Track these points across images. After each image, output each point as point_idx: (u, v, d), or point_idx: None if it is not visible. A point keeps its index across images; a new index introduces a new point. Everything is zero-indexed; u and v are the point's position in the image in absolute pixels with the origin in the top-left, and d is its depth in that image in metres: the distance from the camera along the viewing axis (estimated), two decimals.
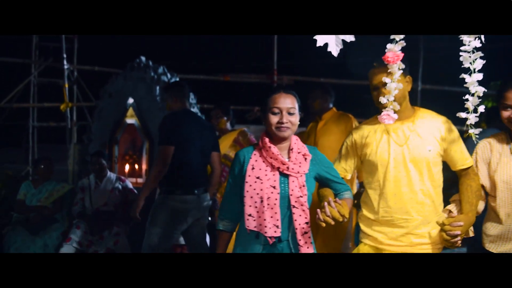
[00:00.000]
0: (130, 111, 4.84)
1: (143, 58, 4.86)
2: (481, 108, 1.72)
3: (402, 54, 1.79)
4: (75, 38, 7.31)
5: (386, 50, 1.80)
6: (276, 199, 1.82)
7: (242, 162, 1.91)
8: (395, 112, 1.84)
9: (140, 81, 4.71)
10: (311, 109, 3.34)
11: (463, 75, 1.72)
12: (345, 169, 2.12)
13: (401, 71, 1.84)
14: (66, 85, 6.13)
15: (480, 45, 1.67)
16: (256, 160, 1.88)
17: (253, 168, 1.86)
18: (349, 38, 1.55)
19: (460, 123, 1.90)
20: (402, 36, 1.75)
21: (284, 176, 1.85)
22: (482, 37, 1.66)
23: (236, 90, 6.31)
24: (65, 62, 6.19)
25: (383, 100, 1.85)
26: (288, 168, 1.84)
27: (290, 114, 1.85)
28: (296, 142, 1.91)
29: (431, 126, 1.99)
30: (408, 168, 1.96)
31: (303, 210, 1.83)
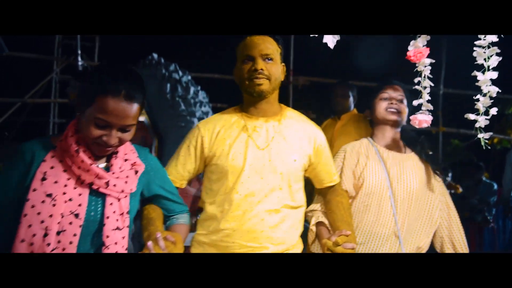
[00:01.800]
0: None
1: (155, 55, 4.86)
2: (493, 111, 1.56)
3: (427, 49, 1.58)
4: (96, 36, 7.42)
5: (408, 47, 1.64)
6: (75, 235, 1.16)
7: (28, 164, 1.19)
8: (429, 112, 1.57)
9: (151, 78, 4.70)
10: (331, 105, 3.22)
11: (475, 73, 1.57)
12: (182, 175, 1.57)
13: (429, 68, 1.64)
14: None
15: (497, 39, 1.51)
16: (52, 167, 1.18)
17: (43, 179, 1.17)
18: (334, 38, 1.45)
19: (471, 127, 1.72)
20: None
21: (98, 195, 1.22)
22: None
23: None
24: (79, 59, 6.28)
25: (415, 102, 1.58)
26: (107, 184, 1.21)
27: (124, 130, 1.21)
28: (124, 144, 1.27)
29: (300, 131, 1.59)
30: (265, 180, 1.49)
31: (122, 246, 1.22)
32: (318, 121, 3.42)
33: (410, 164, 1.83)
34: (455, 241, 1.84)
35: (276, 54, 1.55)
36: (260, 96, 1.52)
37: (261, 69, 1.49)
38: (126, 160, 1.28)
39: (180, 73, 4.81)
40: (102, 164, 1.27)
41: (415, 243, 1.77)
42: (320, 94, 6.20)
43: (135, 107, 1.17)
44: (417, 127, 1.58)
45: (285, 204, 1.53)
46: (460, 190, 5.23)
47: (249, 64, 1.52)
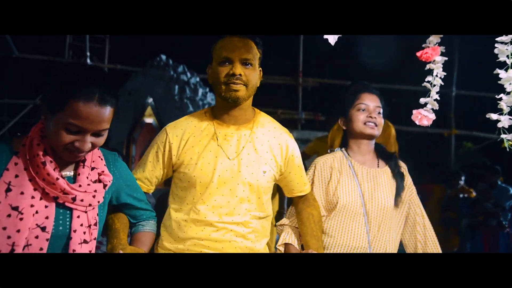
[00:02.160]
0: (149, 110, 4.82)
1: (163, 57, 4.85)
2: None
3: (439, 48, 1.52)
4: (106, 38, 7.46)
5: (423, 46, 1.56)
6: (41, 249, 1.09)
7: None
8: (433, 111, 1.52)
9: (159, 80, 4.68)
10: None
11: (498, 70, 1.49)
12: (149, 181, 1.52)
13: (441, 66, 1.56)
14: None
15: None
16: (16, 175, 1.10)
17: (8, 190, 1.09)
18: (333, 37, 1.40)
19: (487, 129, 1.63)
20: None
21: (66, 207, 1.14)
22: None
23: (259, 91, 6.19)
24: (88, 60, 6.30)
25: (422, 100, 1.55)
26: (74, 200, 1.13)
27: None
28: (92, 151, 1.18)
29: (271, 139, 1.52)
30: (234, 191, 1.45)
31: None
32: (327, 124, 3.35)
33: (384, 180, 1.78)
34: (430, 250, 1.80)
35: (256, 58, 1.48)
36: (235, 103, 1.46)
37: (239, 75, 1.42)
38: (93, 168, 1.20)
39: (189, 74, 4.79)
40: (70, 173, 1.18)
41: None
42: (329, 96, 6.13)
43: (108, 110, 1.10)
44: (417, 122, 1.51)
45: (253, 216, 1.48)
46: (474, 194, 5.12)
47: (227, 67, 1.44)
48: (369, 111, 1.78)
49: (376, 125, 1.78)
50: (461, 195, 5.17)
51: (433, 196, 5.22)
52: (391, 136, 2.74)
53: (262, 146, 1.50)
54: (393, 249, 1.77)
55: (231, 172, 1.45)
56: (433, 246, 1.80)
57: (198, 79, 4.96)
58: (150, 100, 4.81)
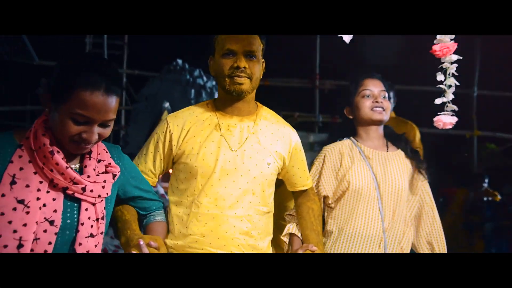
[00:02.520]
0: (165, 114, 4.84)
1: (179, 61, 4.87)
2: None
3: (455, 45, 1.45)
4: (124, 45, 7.56)
5: (434, 41, 1.51)
6: (49, 244, 1.07)
7: None
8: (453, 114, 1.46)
9: (175, 84, 4.71)
10: None
11: None
12: (153, 172, 1.48)
13: (455, 65, 1.51)
14: None
15: None
16: (21, 168, 1.06)
17: (13, 183, 1.05)
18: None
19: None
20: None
21: (74, 199, 1.12)
22: None
23: (276, 94, 6.17)
24: None
25: (438, 100, 1.48)
26: (84, 190, 1.11)
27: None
28: (96, 144, 1.17)
29: (275, 132, 1.50)
30: (237, 183, 1.41)
31: None
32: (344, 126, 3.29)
33: (396, 163, 1.73)
34: (435, 242, 1.73)
35: (259, 50, 1.45)
36: (239, 96, 1.43)
37: (244, 67, 1.40)
38: (99, 160, 1.18)
39: (205, 78, 4.80)
40: (75, 165, 1.16)
41: (397, 243, 1.68)
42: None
43: (115, 100, 1.08)
44: (441, 127, 1.47)
45: (257, 210, 1.44)
46: (499, 197, 4.97)
47: (230, 60, 1.41)
48: (374, 96, 1.74)
49: (384, 109, 1.73)
50: (485, 198, 5.02)
51: (456, 200, 5.07)
52: (416, 138, 2.67)
53: (266, 138, 1.47)
54: (406, 241, 1.70)
55: (234, 163, 1.41)
56: (439, 243, 1.73)
57: (214, 82, 4.96)
58: (167, 104, 4.83)
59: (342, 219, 1.68)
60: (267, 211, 1.49)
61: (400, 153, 1.77)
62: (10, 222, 1.02)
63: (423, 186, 1.76)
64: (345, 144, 1.76)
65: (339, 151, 1.73)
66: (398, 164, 1.73)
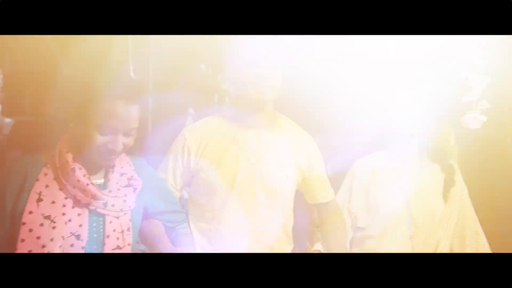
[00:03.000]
0: (189, 120, 4.83)
1: (202, 66, 4.84)
2: None
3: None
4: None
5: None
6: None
7: (20, 184, 1.11)
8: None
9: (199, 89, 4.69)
10: None
11: None
12: (174, 187, 1.44)
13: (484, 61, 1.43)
14: None
15: None
16: (46, 186, 1.10)
17: (39, 200, 1.09)
18: None
19: None
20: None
21: (99, 214, 1.15)
22: None
23: None
24: (131, 74, 6.45)
25: (464, 98, 1.47)
26: (105, 205, 1.14)
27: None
28: (120, 157, 1.19)
29: (294, 142, 1.45)
30: (256, 197, 1.37)
31: None
32: None
33: (429, 178, 1.63)
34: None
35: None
36: (260, 105, 1.39)
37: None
38: (122, 174, 1.20)
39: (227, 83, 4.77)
40: (100, 180, 1.20)
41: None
42: None
43: (137, 108, 1.13)
44: (470, 127, 1.39)
45: (277, 222, 1.41)
46: None
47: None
48: None
49: None
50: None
51: None
52: (450, 139, 2.56)
53: (285, 149, 1.42)
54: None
55: (253, 177, 1.37)
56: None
57: None
58: (191, 110, 4.81)
59: (370, 239, 1.60)
60: (287, 222, 1.46)
61: (435, 167, 1.70)
62: (38, 238, 1.07)
63: (463, 200, 1.67)
64: (375, 158, 1.70)
65: (370, 166, 1.66)
66: (431, 179, 1.65)
